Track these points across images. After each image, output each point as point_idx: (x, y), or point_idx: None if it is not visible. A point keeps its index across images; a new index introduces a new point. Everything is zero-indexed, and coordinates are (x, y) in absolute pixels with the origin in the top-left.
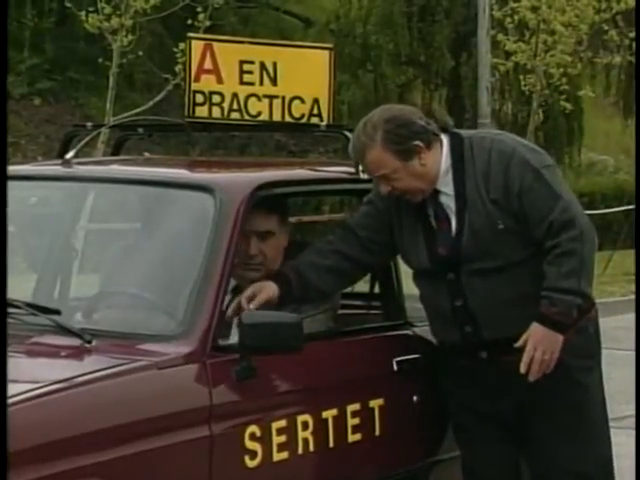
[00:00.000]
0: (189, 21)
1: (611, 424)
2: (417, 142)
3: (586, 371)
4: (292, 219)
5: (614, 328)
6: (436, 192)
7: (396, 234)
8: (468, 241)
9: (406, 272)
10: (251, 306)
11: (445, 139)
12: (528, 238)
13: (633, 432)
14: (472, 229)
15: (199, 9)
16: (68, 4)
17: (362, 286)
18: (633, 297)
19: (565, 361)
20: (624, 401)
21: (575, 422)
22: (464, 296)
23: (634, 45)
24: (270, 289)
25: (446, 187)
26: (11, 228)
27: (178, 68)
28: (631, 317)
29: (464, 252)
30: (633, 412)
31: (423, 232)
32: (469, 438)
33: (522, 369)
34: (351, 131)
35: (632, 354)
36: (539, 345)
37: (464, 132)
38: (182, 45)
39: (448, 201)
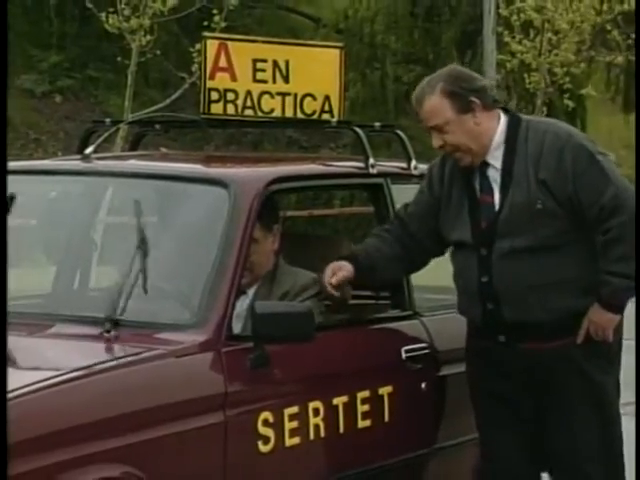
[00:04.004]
0: (205, 22)
1: None
2: (474, 98)
3: (602, 371)
4: (304, 212)
5: None
6: (485, 164)
7: (442, 207)
8: (505, 216)
9: None
10: (332, 281)
11: (504, 117)
12: (562, 224)
13: (629, 417)
14: (511, 205)
15: (214, 11)
16: (89, 5)
17: None
18: None
19: (582, 360)
20: (629, 388)
21: (589, 414)
22: (491, 273)
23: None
24: (347, 268)
25: (495, 161)
26: (32, 221)
27: (194, 67)
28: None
29: (499, 226)
30: (631, 399)
31: (469, 205)
32: (486, 421)
33: (578, 341)
34: (361, 127)
35: (628, 342)
36: (592, 323)
37: (524, 115)
38: (198, 46)
39: (495, 175)
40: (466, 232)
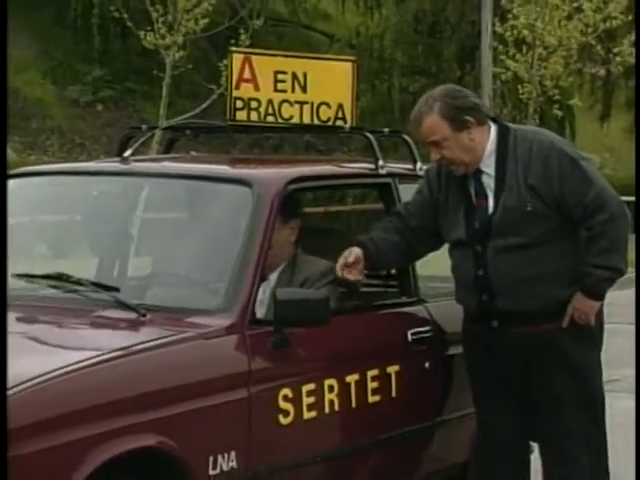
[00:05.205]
0: (232, 40)
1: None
2: (469, 117)
3: (586, 351)
4: (319, 209)
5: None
6: (479, 172)
7: (441, 211)
8: (499, 218)
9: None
10: (346, 264)
11: (494, 127)
12: (551, 223)
13: (614, 394)
14: (504, 208)
15: (241, 30)
16: (129, 24)
17: None
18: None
19: (567, 341)
20: (612, 367)
21: (574, 390)
22: (486, 267)
23: (618, 58)
24: (357, 253)
25: (488, 168)
26: (77, 217)
27: (222, 80)
28: (615, 294)
29: (494, 227)
30: (618, 377)
31: (464, 209)
32: (482, 398)
33: (564, 325)
34: (372, 132)
35: (619, 326)
36: (576, 309)
37: (511, 125)
38: (226, 61)
39: (488, 181)
40: (461, 232)
